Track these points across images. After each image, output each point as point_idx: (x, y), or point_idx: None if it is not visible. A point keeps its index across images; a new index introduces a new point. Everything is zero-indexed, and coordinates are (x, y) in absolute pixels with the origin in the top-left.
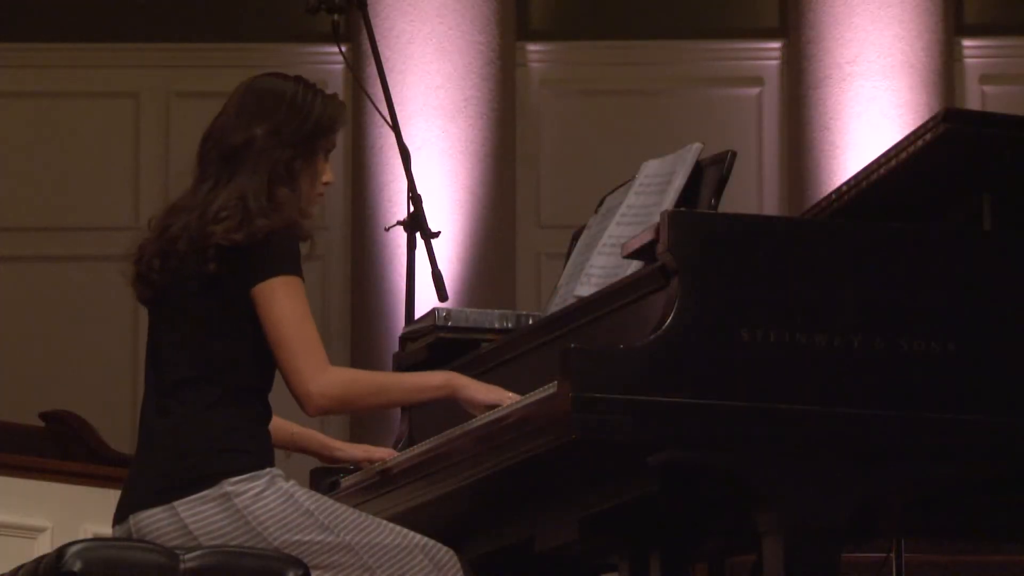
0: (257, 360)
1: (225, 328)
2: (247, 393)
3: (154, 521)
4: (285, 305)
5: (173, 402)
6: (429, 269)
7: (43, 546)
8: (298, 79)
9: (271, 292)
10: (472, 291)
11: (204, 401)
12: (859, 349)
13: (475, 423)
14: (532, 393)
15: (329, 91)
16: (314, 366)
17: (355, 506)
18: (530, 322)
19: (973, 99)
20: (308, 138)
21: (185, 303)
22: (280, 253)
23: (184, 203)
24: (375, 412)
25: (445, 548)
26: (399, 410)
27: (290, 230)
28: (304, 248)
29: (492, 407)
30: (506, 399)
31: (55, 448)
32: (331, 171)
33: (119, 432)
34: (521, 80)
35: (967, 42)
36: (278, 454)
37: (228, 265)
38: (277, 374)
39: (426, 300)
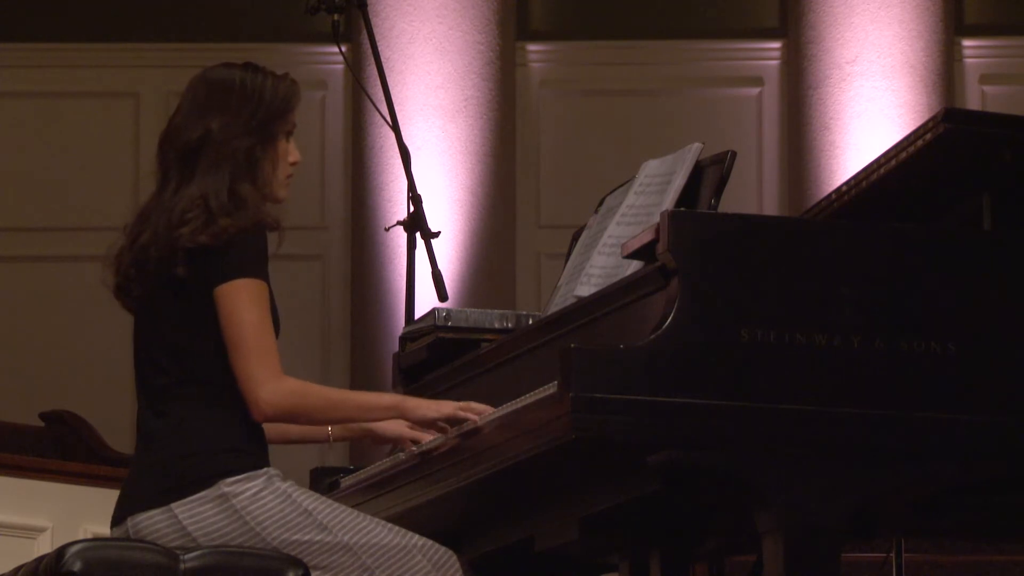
0: None
1: (206, 330)
2: (238, 391)
3: (152, 523)
4: (246, 308)
5: (167, 405)
6: (429, 269)
7: (43, 546)
8: (246, 65)
9: (234, 294)
10: (472, 291)
11: (196, 402)
12: (859, 349)
13: (475, 423)
14: (532, 393)
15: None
16: (268, 373)
17: (354, 506)
18: (530, 322)
19: (973, 99)
20: (264, 124)
21: (165, 308)
22: (245, 255)
23: (151, 208)
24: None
25: (444, 548)
26: None
27: (256, 228)
28: (273, 242)
29: (445, 423)
30: (459, 411)
31: (55, 448)
32: (296, 150)
33: (119, 432)
34: (521, 80)
35: (967, 42)
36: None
37: (195, 267)
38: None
39: (426, 300)
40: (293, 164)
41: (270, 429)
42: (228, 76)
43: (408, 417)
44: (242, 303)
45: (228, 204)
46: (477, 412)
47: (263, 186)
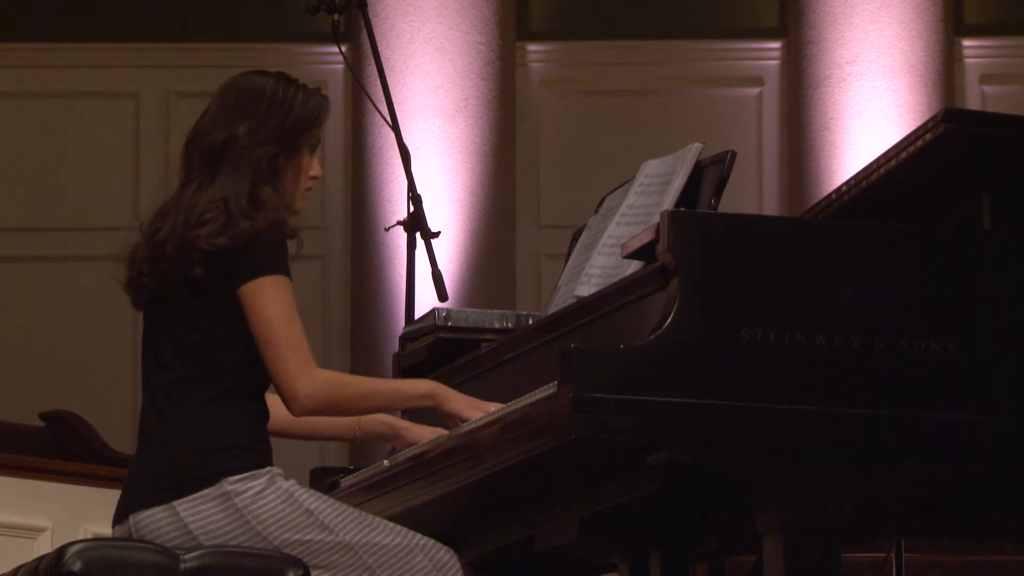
0: (251, 359)
1: (217, 329)
2: (243, 391)
3: (154, 521)
4: (273, 304)
5: (170, 402)
6: (429, 269)
7: (43, 546)
8: (279, 75)
9: (259, 291)
10: (472, 291)
11: (201, 400)
12: (859, 349)
13: (475, 423)
14: (532, 393)
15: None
16: (301, 366)
17: (355, 506)
18: (530, 322)
19: (973, 99)
20: (290, 134)
21: (177, 306)
22: (266, 252)
23: (171, 206)
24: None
25: (445, 548)
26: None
27: (276, 229)
28: (292, 247)
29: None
30: (488, 411)
31: (55, 448)
32: (319, 165)
33: (119, 432)
34: (521, 80)
35: (967, 42)
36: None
37: (214, 268)
38: None
39: (426, 300)
40: (313, 178)
41: (300, 424)
42: (260, 83)
43: (441, 407)
44: (268, 299)
45: (247, 207)
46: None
47: (282, 195)
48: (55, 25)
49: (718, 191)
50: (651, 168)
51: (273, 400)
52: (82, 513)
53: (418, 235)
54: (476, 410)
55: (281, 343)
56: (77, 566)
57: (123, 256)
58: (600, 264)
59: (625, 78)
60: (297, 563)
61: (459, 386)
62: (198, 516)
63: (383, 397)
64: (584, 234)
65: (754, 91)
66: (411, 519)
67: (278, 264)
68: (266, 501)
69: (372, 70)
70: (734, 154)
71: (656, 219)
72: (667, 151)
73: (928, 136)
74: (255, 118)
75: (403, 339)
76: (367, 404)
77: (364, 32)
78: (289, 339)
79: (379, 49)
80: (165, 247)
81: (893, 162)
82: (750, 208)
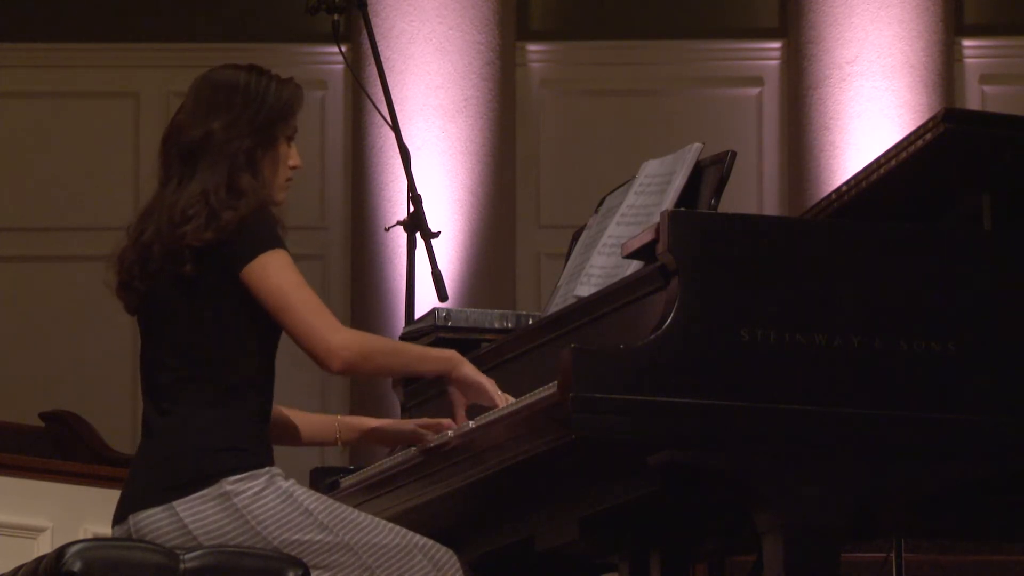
0: (250, 356)
1: (213, 326)
2: (243, 390)
3: (153, 521)
4: (280, 275)
5: (169, 403)
6: (429, 269)
7: (43, 546)
8: (251, 67)
9: (262, 268)
10: (472, 291)
11: (200, 400)
12: (859, 349)
13: (475, 423)
14: (532, 393)
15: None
16: (328, 323)
17: (355, 506)
18: (530, 322)
19: (973, 99)
20: (265, 126)
21: (170, 306)
22: (258, 232)
23: (154, 206)
24: (384, 381)
25: (444, 548)
26: (399, 407)
27: (261, 210)
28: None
29: (482, 392)
30: (498, 396)
31: (55, 448)
32: (297, 155)
33: (119, 432)
34: (521, 80)
35: (967, 42)
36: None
37: (205, 264)
38: (275, 371)
39: (426, 300)
40: (293, 168)
41: (281, 430)
42: (232, 77)
43: (456, 371)
44: (273, 271)
45: (228, 198)
46: (504, 402)
47: (262, 187)
48: (55, 25)
49: (718, 191)
50: (651, 168)
51: None
52: (82, 513)
53: (418, 235)
54: (486, 382)
55: (300, 307)
56: (77, 566)
57: (111, 262)
58: (600, 264)
59: (625, 78)
60: (297, 563)
61: None
62: (197, 516)
63: (408, 355)
64: (584, 234)
65: (754, 91)
66: (411, 519)
67: (273, 239)
68: (265, 501)
69: (372, 70)
70: (734, 154)
71: (656, 219)
72: (667, 151)
73: (928, 136)
74: (230, 113)
75: (403, 339)
76: (396, 360)
77: (364, 32)
78: (306, 302)
79: (379, 49)
80: (152, 248)
81: (893, 162)
82: (750, 208)
